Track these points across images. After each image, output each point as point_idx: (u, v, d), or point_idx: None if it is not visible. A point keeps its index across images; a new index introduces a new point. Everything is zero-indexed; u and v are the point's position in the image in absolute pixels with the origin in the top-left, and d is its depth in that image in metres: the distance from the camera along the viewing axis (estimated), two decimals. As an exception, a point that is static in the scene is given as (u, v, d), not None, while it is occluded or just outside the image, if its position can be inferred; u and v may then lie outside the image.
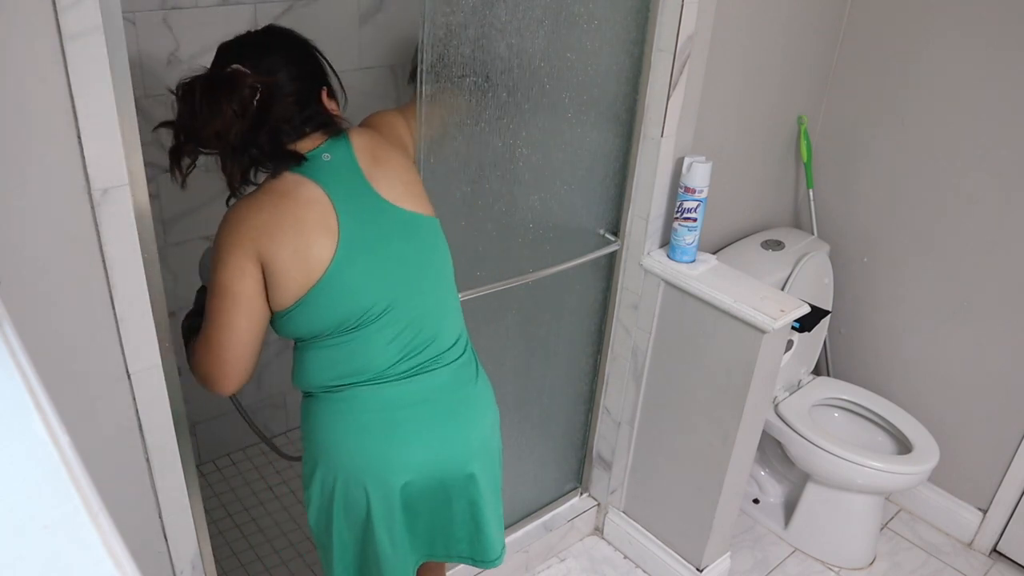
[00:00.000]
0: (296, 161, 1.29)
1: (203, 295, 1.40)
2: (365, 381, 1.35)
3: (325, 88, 1.37)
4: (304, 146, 1.32)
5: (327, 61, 1.40)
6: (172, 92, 1.23)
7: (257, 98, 1.22)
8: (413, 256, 1.36)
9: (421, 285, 1.38)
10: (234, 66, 1.24)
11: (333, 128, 1.36)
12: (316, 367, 1.36)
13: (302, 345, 1.37)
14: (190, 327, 1.43)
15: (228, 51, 1.29)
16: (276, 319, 1.32)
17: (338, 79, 1.41)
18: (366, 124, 1.49)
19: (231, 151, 1.24)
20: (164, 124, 1.24)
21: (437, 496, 1.42)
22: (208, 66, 1.29)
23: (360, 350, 1.34)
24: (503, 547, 1.55)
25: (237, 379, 1.31)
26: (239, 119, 1.21)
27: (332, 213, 1.28)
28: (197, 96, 1.20)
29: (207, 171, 1.31)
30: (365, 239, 1.30)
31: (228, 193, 1.33)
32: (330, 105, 1.37)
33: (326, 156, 1.32)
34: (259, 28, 1.35)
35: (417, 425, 1.38)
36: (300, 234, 1.26)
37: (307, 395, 1.42)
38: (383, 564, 1.42)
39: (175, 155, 1.24)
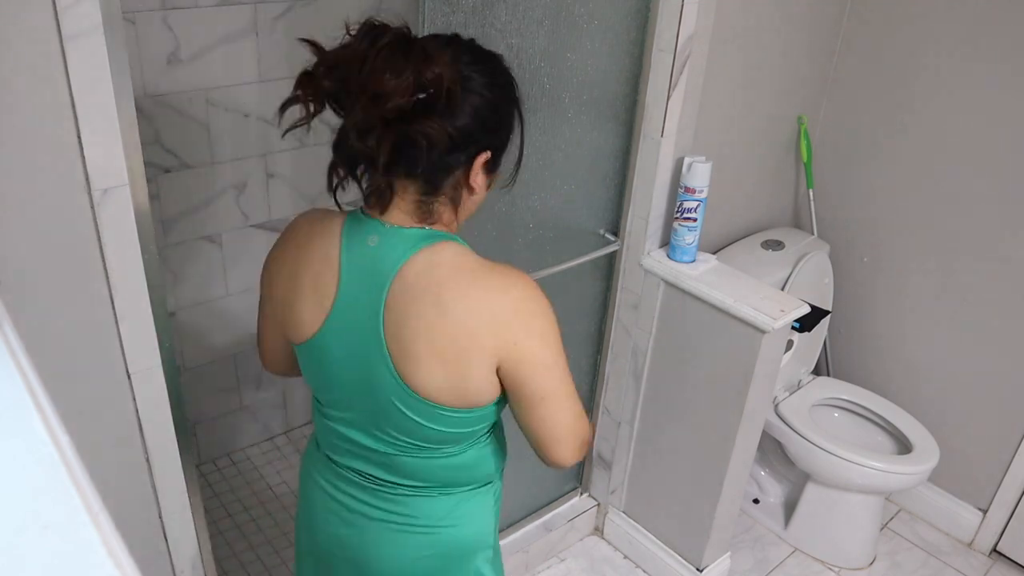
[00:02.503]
0: (376, 205, 1.04)
1: None
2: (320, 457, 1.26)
3: (488, 153, 1.05)
4: (383, 203, 1.04)
5: (521, 134, 1.10)
6: (347, 27, 0.99)
7: (427, 95, 0.95)
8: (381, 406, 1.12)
9: (379, 426, 1.14)
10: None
11: (429, 217, 1.06)
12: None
13: None
14: None
15: (437, 37, 1.06)
16: None
17: (519, 164, 1.12)
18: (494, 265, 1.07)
19: (363, 126, 0.95)
20: (311, 43, 0.98)
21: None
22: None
23: (323, 420, 1.21)
24: None
25: (269, 366, 1.31)
26: (399, 98, 0.93)
27: (330, 299, 1.07)
28: (383, 42, 0.95)
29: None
30: (343, 357, 1.10)
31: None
32: (475, 180, 1.06)
33: (372, 240, 1.05)
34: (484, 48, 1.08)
35: (325, 513, 1.28)
36: (294, 299, 1.11)
37: None
38: None
39: (302, 84, 0.98)
